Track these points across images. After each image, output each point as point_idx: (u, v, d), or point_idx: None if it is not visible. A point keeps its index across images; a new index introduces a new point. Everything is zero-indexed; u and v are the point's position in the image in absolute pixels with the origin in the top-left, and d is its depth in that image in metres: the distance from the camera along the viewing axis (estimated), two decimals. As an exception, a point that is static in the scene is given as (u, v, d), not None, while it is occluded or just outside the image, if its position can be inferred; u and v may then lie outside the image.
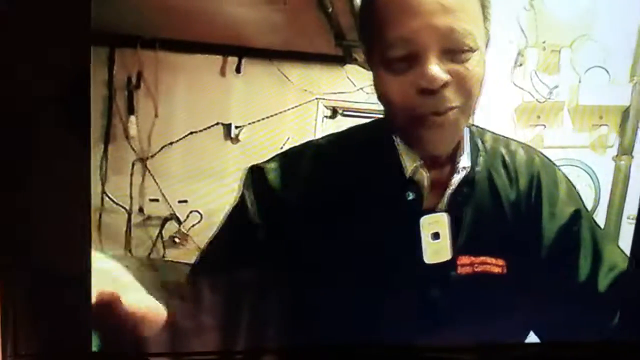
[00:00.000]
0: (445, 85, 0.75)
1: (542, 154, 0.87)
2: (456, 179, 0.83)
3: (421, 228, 0.83)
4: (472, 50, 0.75)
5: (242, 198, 0.82)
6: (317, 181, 0.83)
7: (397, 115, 0.78)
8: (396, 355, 0.93)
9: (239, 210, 0.82)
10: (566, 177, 0.88)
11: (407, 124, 0.78)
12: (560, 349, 0.96)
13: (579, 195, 0.88)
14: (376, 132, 0.83)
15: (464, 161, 0.82)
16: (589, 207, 0.91)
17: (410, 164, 0.81)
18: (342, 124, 0.86)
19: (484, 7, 0.77)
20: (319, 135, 0.86)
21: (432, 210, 0.83)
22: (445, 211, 0.83)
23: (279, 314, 0.87)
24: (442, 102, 0.76)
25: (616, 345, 0.95)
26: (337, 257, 0.83)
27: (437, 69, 0.74)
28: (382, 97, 0.79)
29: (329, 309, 0.86)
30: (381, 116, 0.83)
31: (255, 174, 0.82)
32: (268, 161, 0.82)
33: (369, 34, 0.78)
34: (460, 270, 0.85)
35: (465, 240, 0.84)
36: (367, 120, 0.85)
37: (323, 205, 0.83)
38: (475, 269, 0.85)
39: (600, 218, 0.92)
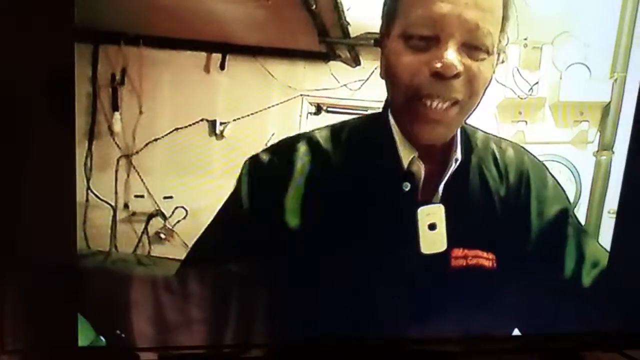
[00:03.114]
0: (457, 75, 0.77)
1: (531, 154, 0.89)
2: (450, 170, 0.84)
3: (418, 219, 0.85)
4: (487, 52, 0.78)
5: (236, 188, 0.83)
6: (312, 173, 0.84)
7: (401, 92, 0.80)
8: (385, 346, 0.94)
9: (232, 200, 0.83)
10: (554, 177, 0.90)
11: (409, 104, 0.80)
12: (543, 341, 0.97)
13: (566, 195, 0.90)
14: (373, 124, 0.84)
15: (457, 154, 0.84)
16: (571, 201, 0.92)
17: (407, 155, 0.83)
18: (327, 120, 0.86)
19: (504, 18, 0.80)
20: (304, 131, 0.86)
21: (427, 202, 0.85)
22: (440, 202, 0.85)
23: (270, 307, 0.87)
24: (449, 90, 0.78)
25: (596, 335, 0.96)
26: (331, 247, 0.85)
27: (455, 58, 0.76)
28: (390, 70, 0.80)
29: (320, 301, 0.88)
30: (375, 112, 0.84)
31: (252, 164, 0.83)
32: (263, 152, 0.84)
33: (394, 5, 0.79)
34: (454, 262, 0.87)
35: (458, 233, 0.86)
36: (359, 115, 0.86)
37: (317, 196, 0.84)
38: (469, 262, 0.87)
39: (581, 212, 0.94)
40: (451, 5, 0.75)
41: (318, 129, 0.85)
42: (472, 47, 0.77)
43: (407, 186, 0.84)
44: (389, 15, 0.80)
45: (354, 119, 0.85)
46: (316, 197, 0.84)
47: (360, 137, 0.85)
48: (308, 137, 0.84)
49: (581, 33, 0.87)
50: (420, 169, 0.83)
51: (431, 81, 0.77)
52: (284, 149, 0.84)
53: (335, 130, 0.85)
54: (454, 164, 0.84)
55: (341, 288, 0.87)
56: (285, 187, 0.83)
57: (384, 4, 0.80)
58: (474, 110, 0.83)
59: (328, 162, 0.84)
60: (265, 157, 0.83)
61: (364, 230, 0.86)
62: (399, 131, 0.83)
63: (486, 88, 0.81)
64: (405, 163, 0.83)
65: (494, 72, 0.82)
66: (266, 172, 0.83)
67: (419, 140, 0.83)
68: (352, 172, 0.85)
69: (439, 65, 0.76)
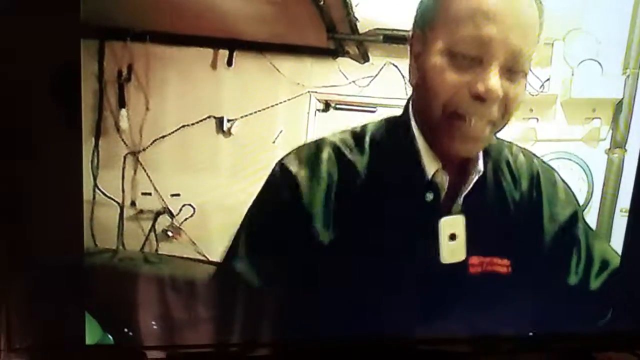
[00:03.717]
0: (496, 99, 0.77)
1: (539, 158, 0.89)
2: (471, 182, 0.85)
3: (440, 229, 0.85)
4: (524, 74, 0.79)
5: (267, 190, 0.83)
6: (337, 180, 0.83)
7: (436, 107, 0.79)
8: (396, 350, 0.94)
9: (263, 200, 0.83)
10: (563, 180, 0.89)
11: (443, 119, 0.79)
12: (554, 341, 0.97)
13: (575, 197, 0.90)
14: (394, 130, 0.84)
15: (479, 165, 0.84)
16: (582, 200, 0.92)
17: (431, 165, 0.83)
18: (335, 117, 0.85)
19: (539, 35, 0.80)
20: (312, 128, 0.85)
21: (446, 211, 0.85)
22: (461, 213, 0.85)
23: (288, 308, 0.87)
24: (487, 111, 0.78)
25: (607, 335, 0.95)
26: (349, 253, 0.85)
27: (498, 82, 0.76)
28: (427, 84, 0.79)
29: (333, 302, 0.87)
30: (395, 115, 0.84)
31: (281, 171, 0.83)
32: (292, 156, 0.83)
33: (440, 20, 0.78)
34: (471, 270, 0.87)
35: (476, 241, 0.86)
36: (381, 117, 0.85)
37: (340, 203, 0.83)
38: (485, 269, 0.88)
39: (593, 211, 0.93)
40: (498, 27, 0.75)
41: (338, 133, 0.84)
42: (513, 71, 0.77)
43: (429, 197, 0.83)
44: (426, 24, 0.79)
45: (374, 123, 0.85)
46: (339, 203, 0.83)
47: (383, 145, 0.84)
48: (332, 144, 0.84)
49: (593, 29, 0.86)
50: (444, 180, 0.84)
51: (471, 102, 0.77)
52: (310, 155, 0.83)
53: (357, 136, 0.84)
54: (476, 176, 0.85)
55: (354, 291, 0.88)
56: (311, 192, 0.83)
57: (418, 9, 0.80)
58: (504, 126, 0.83)
59: (352, 170, 0.84)
60: (295, 162, 0.83)
61: (385, 238, 0.86)
62: (423, 141, 0.83)
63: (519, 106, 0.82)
64: (430, 173, 0.83)
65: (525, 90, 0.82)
66: (296, 176, 0.83)
67: (449, 155, 0.83)
68: (375, 180, 0.84)
69: (482, 88, 0.76)
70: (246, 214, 0.83)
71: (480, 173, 0.85)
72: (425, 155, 0.83)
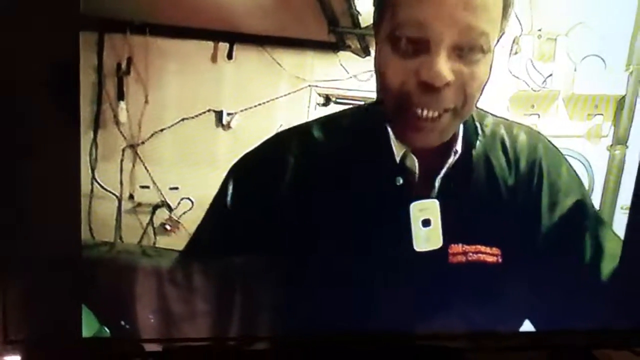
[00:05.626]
0: (447, 85, 0.73)
1: (547, 140, 0.87)
2: (447, 163, 0.82)
3: (411, 214, 0.83)
4: (483, 52, 0.74)
5: (224, 184, 0.82)
6: (305, 165, 0.83)
7: (389, 97, 0.78)
8: (385, 343, 0.93)
9: (221, 196, 0.83)
10: (571, 166, 0.87)
11: (398, 110, 0.78)
12: (552, 338, 0.96)
13: (582, 186, 0.88)
14: (368, 115, 0.82)
15: (457, 145, 0.82)
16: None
17: (399, 149, 0.81)
18: (335, 111, 0.84)
19: (506, 5, 0.76)
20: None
21: (423, 196, 0.83)
22: (437, 197, 0.83)
23: (266, 302, 0.87)
24: (439, 100, 0.75)
25: (609, 332, 0.95)
26: (324, 243, 0.84)
27: (444, 66, 0.72)
28: (380, 73, 0.78)
29: (316, 296, 0.87)
30: (373, 100, 0.82)
31: (241, 159, 0.82)
32: (253, 149, 0.82)
33: (384, 4, 0.76)
34: (452, 259, 0.85)
35: (457, 228, 0.84)
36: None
37: (310, 189, 0.83)
38: (469, 258, 0.85)
39: (594, 208, 0.92)
40: (441, 6, 0.71)
41: (316, 119, 0.83)
42: (465, 49, 0.73)
43: (399, 181, 0.82)
44: (379, 10, 0.77)
45: (352, 108, 0.84)
46: (309, 192, 0.83)
47: (355, 129, 0.83)
48: (301, 130, 0.83)
49: (597, 24, 0.85)
50: (414, 163, 0.82)
51: (420, 91, 0.75)
52: (273, 145, 0.82)
53: (331, 121, 0.83)
54: (452, 156, 0.82)
55: (340, 282, 0.86)
56: (278, 182, 0.82)
57: None
58: (470, 111, 0.81)
59: (321, 156, 0.83)
60: (254, 154, 0.82)
61: (357, 225, 0.84)
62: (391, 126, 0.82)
63: (483, 87, 0.79)
64: (398, 157, 0.82)
65: (490, 70, 0.79)
66: (257, 167, 0.82)
67: (412, 146, 0.81)
68: (345, 165, 0.83)
69: (427, 75, 0.73)
70: (214, 203, 0.83)
71: (458, 154, 0.82)
72: (394, 139, 0.81)
